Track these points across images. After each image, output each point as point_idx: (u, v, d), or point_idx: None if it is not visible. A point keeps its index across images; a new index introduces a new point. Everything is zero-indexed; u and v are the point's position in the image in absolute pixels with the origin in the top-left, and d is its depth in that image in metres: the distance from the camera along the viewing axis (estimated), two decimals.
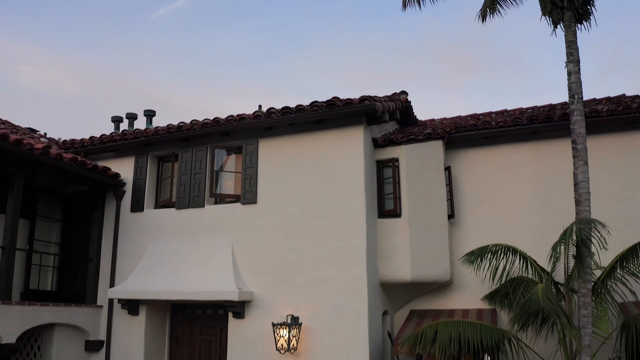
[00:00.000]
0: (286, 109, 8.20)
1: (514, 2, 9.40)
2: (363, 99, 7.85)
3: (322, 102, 8.03)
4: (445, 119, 11.78)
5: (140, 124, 10.69)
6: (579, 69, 7.09)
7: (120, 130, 10.00)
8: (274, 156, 8.47)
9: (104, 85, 33.40)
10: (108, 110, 35.39)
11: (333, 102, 7.93)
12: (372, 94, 10.71)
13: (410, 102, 10.11)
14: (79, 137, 9.97)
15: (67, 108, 33.95)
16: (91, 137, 9.75)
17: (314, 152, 8.23)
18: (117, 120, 10.04)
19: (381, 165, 8.55)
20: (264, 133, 8.59)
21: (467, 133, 8.87)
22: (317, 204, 8.00)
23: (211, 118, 8.70)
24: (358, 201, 7.76)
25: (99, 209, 9.54)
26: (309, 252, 7.85)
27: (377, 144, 8.49)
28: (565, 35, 7.24)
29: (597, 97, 10.83)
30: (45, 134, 11.14)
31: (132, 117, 9.94)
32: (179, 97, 34.36)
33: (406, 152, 8.44)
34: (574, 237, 6.37)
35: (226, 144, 8.89)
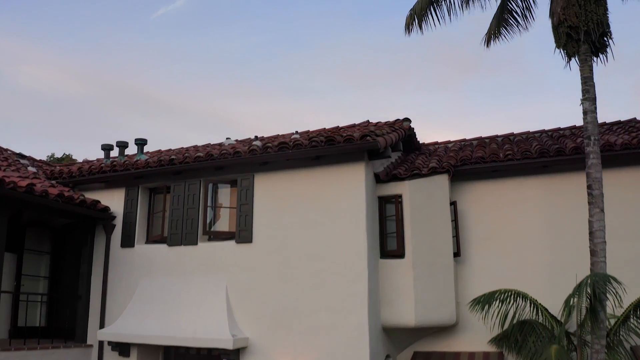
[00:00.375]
0: (283, 144, 7.76)
1: (519, 28, 8.97)
2: (364, 135, 7.41)
3: (322, 137, 7.59)
4: (449, 142, 11.37)
5: (133, 147, 10.22)
6: (596, 108, 6.64)
7: (111, 158, 9.53)
8: (271, 192, 8.05)
9: (103, 85, 33.20)
10: (108, 110, 35.16)
11: (333, 139, 7.49)
12: (374, 121, 10.34)
13: (413, 129, 9.68)
14: (72, 152, 9.54)
15: (67, 108, 33.78)
16: (80, 168, 9.32)
17: (312, 189, 7.81)
18: (107, 148, 9.61)
19: (383, 201, 8.13)
20: (260, 167, 8.16)
21: (473, 166, 8.43)
22: (316, 245, 7.59)
23: (204, 153, 8.27)
24: (360, 244, 7.34)
25: (88, 243, 9.14)
26: (307, 297, 7.45)
27: (379, 179, 8.06)
28: (580, 71, 6.79)
29: (606, 121, 10.41)
30: (32, 161, 10.70)
31: (122, 146, 9.51)
32: (179, 96, 34.17)
33: (410, 187, 8.01)
34: (589, 291, 6.01)
35: (220, 177, 8.47)
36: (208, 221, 8.50)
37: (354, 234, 7.40)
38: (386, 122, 10.01)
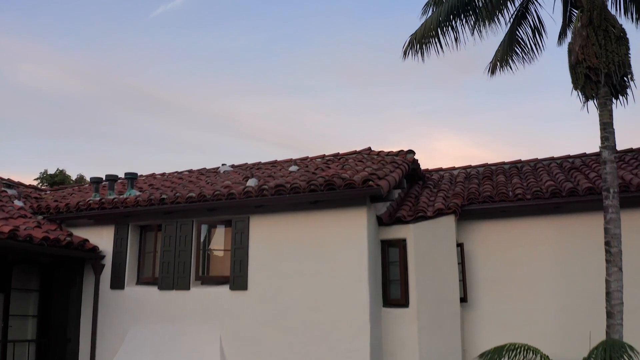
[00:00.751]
0: (280, 187, 7.31)
1: (527, 59, 8.49)
2: (366, 179, 6.96)
3: (321, 181, 7.14)
4: (453, 168, 10.94)
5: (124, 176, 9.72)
6: (615, 157, 6.17)
7: (100, 194, 9.08)
8: (267, 236, 7.61)
9: (103, 83, 32.87)
10: (108, 108, 34.87)
11: (333, 184, 7.04)
12: (376, 149, 9.87)
13: (417, 161, 9.22)
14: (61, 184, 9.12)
15: (66, 106, 33.50)
16: (67, 204, 8.88)
17: (311, 234, 7.37)
18: (96, 182, 9.17)
19: (386, 245, 7.69)
20: (256, 209, 7.72)
21: (481, 206, 7.98)
22: (315, 295, 7.17)
23: (196, 193, 7.82)
24: (361, 295, 6.92)
25: (77, 283, 8.74)
26: (306, 351, 7.04)
27: (382, 221, 7.61)
28: (599, 116, 6.31)
29: (617, 148, 9.93)
30: (20, 191, 10.25)
31: (112, 179, 9.07)
32: (178, 94, 33.90)
33: (415, 231, 7.56)
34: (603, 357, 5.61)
35: (214, 218, 8.04)
36: (201, 265, 8.08)
37: (355, 284, 6.98)
38: (389, 152, 9.57)
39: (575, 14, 8.58)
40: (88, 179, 19.83)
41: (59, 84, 32.15)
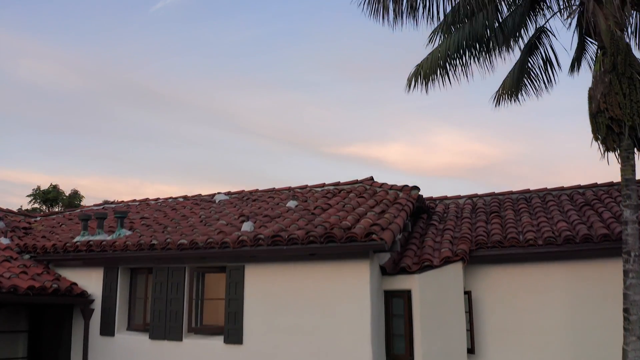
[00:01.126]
0: (277, 238, 6.87)
1: (537, 93, 7.98)
2: (369, 233, 6.51)
3: (321, 231, 6.69)
4: (459, 197, 10.50)
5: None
6: (638, 217, 5.70)
7: (88, 235, 8.64)
8: (264, 287, 7.19)
9: (102, 78, 32.51)
10: (107, 104, 34.52)
11: (333, 236, 6.59)
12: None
13: (422, 196, 8.77)
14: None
15: (66, 102, 33.19)
16: (54, 245, 8.46)
17: (310, 287, 6.95)
18: (85, 219, 8.73)
19: (390, 296, 7.26)
20: (252, 258, 7.28)
21: (490, 251, 7.54)
22: (314, 353, 6.77)
23: (188, 240, 7.37)
24: (364, 353, 6.52)
25: (66, 327, 8.35)
26: None
27: (385, 271, 7.18)
28: (621, 171, 5.84)
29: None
30: (7, 224, 9.82)
31: (101, 217, 8.62)
32: (178, 90, 33.60)
33: (420, 281, 7.13)
34: None
35: (207, 264, 7.61)
36: (194, 314, 7.68)
37: (357, 344, 6.57)
38: (392, 186, 9.13)
39: (589, 42, 8.07)
40: (82, 202, 19.47)
41: (59, 79, 31.80)
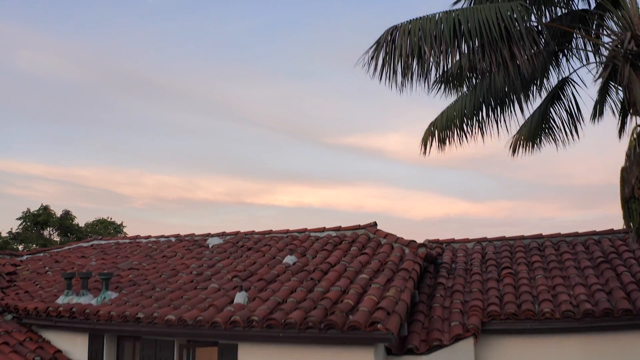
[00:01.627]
0: (271, 321, 6.30)
1: (558, 144, 7.32)
2: (373, 322, 5.93)
3: (320, 316, 6.12)
4: (467, 240, 9.91)
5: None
6: None
7: (70, 300, 8.07)
8: None
9: (101, 68, 31.86)
10: (106, 94, 33.85)
11: (332, 324, 6.01)
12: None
13: (430, 253, 8.19)
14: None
15: (66, 92, 32.57)
16: (36, 308, 7.90)
17: None
18: (69, 277, 8.16)
19: None
20: (246, 337, 6.73)
21: (504, 326, 7.01)
22: None
23: (176, 317, 6.79)
24: None
25: None
26: None
27: (391, 351, 6.65)
28: None
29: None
30: None
31: (85, 277, 8.04)
32: (177, 80, 32.97)
33: None
34: None
35: (198, 339, 7.06)
36: None
37: None
38: (398, 238, 8.54)
39: (612, 87, 7.35)
40: (74, 221, 18.64)
41: (58, 70, 31.06)
